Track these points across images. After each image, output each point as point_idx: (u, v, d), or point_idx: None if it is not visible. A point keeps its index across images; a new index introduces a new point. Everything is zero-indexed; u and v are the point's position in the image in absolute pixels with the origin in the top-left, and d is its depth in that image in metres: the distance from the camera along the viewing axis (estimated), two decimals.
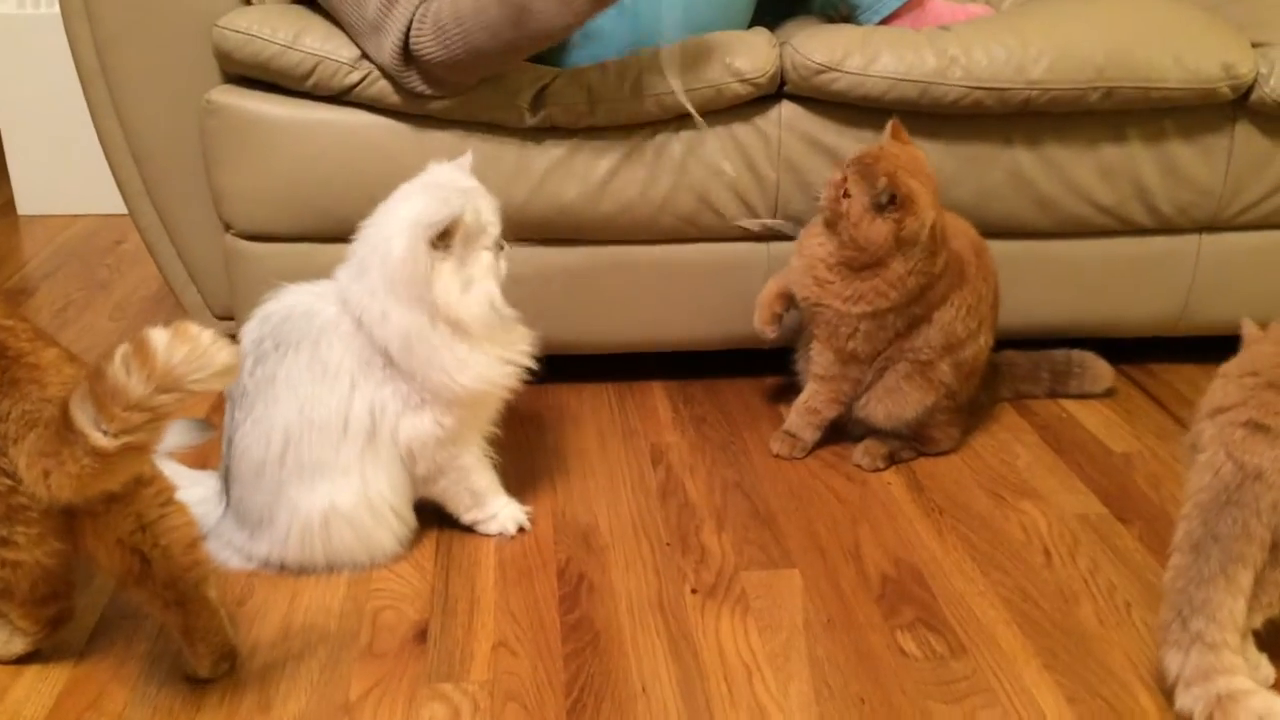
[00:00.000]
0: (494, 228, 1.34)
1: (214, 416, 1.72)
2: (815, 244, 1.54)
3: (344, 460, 1.32)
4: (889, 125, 1.53)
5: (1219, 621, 1.09)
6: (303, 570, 1.36)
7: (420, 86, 1.55)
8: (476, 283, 1.31)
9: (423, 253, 1.27)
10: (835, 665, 1.22)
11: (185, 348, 0.91)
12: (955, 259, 1.53)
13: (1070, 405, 1.77)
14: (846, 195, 1.47)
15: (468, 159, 1.39)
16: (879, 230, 1.45)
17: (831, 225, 1.50)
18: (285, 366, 1.31)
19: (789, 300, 1.60)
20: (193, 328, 0.92)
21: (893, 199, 1.44)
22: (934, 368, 1.54)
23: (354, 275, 1.32)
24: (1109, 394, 1.78)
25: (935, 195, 1.49)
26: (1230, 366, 1.20)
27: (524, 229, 1.65)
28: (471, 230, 1.30)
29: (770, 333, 1.63)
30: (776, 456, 1.63)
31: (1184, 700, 1.09)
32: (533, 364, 1.38)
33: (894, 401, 1.56)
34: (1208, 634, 1.09)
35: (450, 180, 1.35)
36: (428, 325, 1.29)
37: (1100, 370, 1.76)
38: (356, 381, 1.32)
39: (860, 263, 1.49)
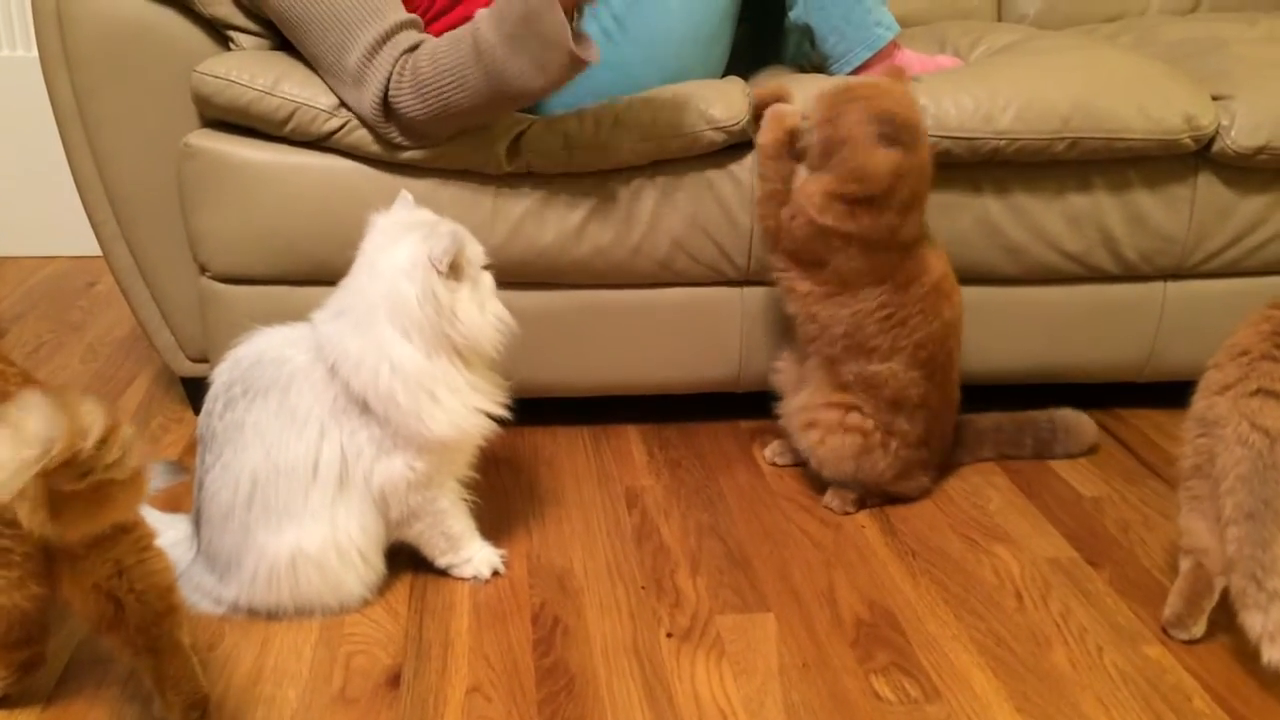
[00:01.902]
0: (479, 251, 1.36)
1: (187, 459, 1.71)
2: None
3: (313, 505, 1.31)
4: (889, 68, 1.54)
5: None
6: (272, 614, 1.35)
7: (399, 139, 1.56)
8: (488, 303, 1.36)
9: (440, 286, 1.29)
10: (810, 710, 1.22)
11: None
12: (916, 263, 1.51)
13: None
14: (840, 130, 1.44)
15: (408, 197, 1.40)
16: (883, 160, 1.42)
17: (825, 157, 1.46)
18: (254, 412, 1.31)
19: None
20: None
21: (899, 132, 1.41)
22: (838, 369, 1.54)
23: (339, 326, 1.32)
24: (1093, 451, 1.79)
25: (924, 141, 1.46)
26: (1218, 356, 1.31)
27: (500, 273, 1.65)
28: (470, 254, 1.33)
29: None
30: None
31: (1271, 653, 1.19)
32: (505, 413, 1.38)
33: (826, 449, 1.57)
34: None
35: (419, 217, 1.36)
36: (425, 366, 1.30)
37: (1084, 429, 1.75)
38: (326, 428, 1.31)
39: (859, 198, 1.45)
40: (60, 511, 0.93)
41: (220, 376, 1.34)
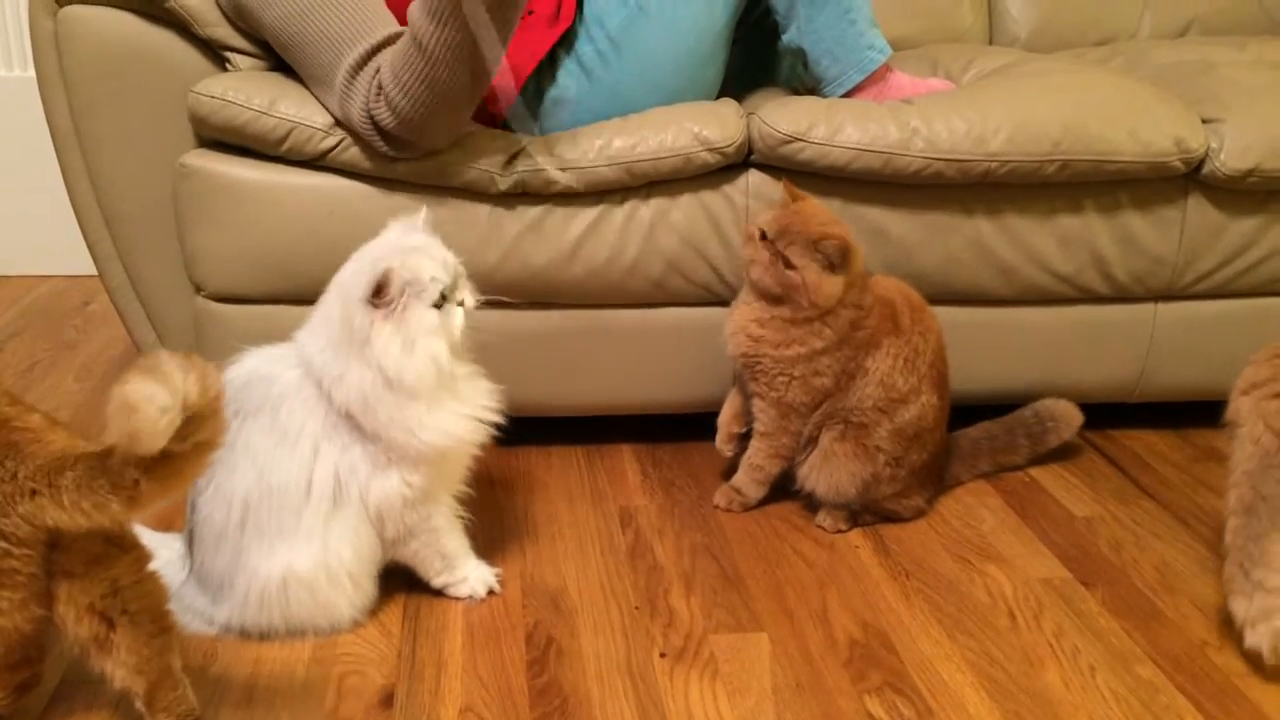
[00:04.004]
0: (441, 284, 1.29)
1: None
2: (746, 306, 1.58)
3: (306, 525, 1.31)
4: (784, 187, 1.57)
5: (1276, 569, 1.24)
6: (264, 635, 1.35)
7: (387, 149, 1.57)
8: (419, 342, 1.28)
9: (357, 312, 1.27)
10: None
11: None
12: (883, 304, 1.56)
13: (1033, 470, 1.79)
14: (791, 267, 1.50)
15: (421, 215, 1.37)
16: (835, 284, 1.50)
17: (775, 297, 1.53)
18: (245, 433, 1.30)
19: (745, 416, 1.64)
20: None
21: (843, 255, 1.48)
22: (869, 433, 1.56)
23: (312, 338, 1.33)
24: (1079, 447, 1.81)
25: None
26: (1259, 353, 1.35)
27: (494, 292, 1.66)
28: (410, 287, 1.27)
29: (728, 451, 1.67)
30: (716, 508, 1.66)
31: (1251, 639, 1.26)
32: (499, 418, 1.38)
33: (832, 473, 1.58)
34: (1267, 581, 1.24)
35: (395, 239, 1.34)
36: (380, 384, 1.29)
37: (1069, 413, 1.76)
38: (320, 446, 1.31)
39: (815, 317, 1.52)
40: (142, 483, 0.98)
41: None
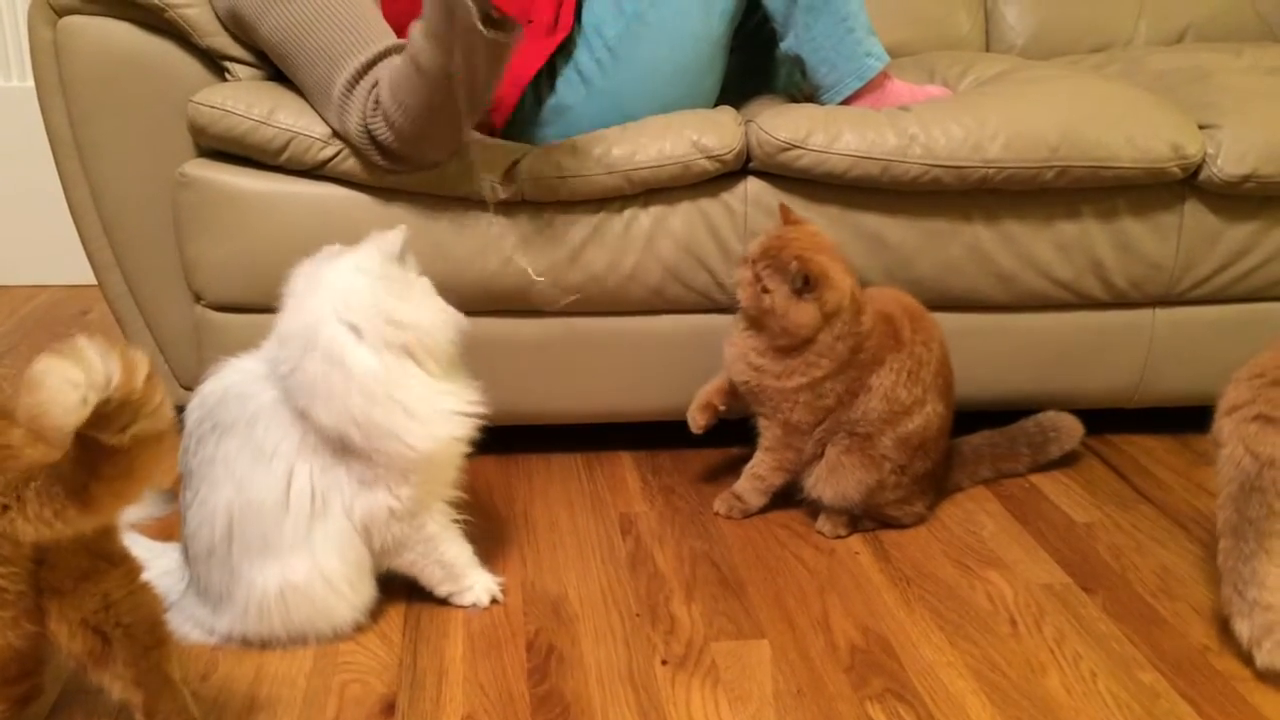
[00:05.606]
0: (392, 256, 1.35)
1: (179, 487, 1.70)
2: (743, 333, 1.58)
3: (289, 538, 1.31)
4: (780, 210, 1.58)
5: (1269, 587, 1.27)
6: (266, 643, 1.35)
7: (384, 164, 1.57)
8: (430, 300, 1.36)
9: (396, 273, 1.32)
10: None
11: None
12: (884, 320, 1.56)
13: (1033, 476, 1.79)
14: (766, 291, 1.50)
15: (335, 248, 1.39)
16: (805, 313, 1.50)
17: (758, 322, 1.54)
18: (223, 448, 1.30)
19: (728, 396, 1.64)
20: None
21: (806, 280, 1.48)
22: (874, 443, 1.56)
23: (290, 352, 1.30)
24: (1078, 453, 1.81)
25: (845, 263, 1.54)
26: (1240, 372, 1.36)
27: (494, 300, 1.67)
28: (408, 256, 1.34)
29: (700, 420, 1.65)
30: (716, 514, 1.66)
31: (1261, 657, 1.29)
32: (483, 409, 1.37)
33: (838, 481, 1.58)
34: (1262, 599, 1.28)
35: (327, 262, 1.36)
36: (381, 369, 1.29)
37: (1071, 425, 1.77)
38: (295, 464, 1.30)
39: (793, 346, 1.53)
40: (92, 486, 0.95)
41: (191, 414, 1.33)
